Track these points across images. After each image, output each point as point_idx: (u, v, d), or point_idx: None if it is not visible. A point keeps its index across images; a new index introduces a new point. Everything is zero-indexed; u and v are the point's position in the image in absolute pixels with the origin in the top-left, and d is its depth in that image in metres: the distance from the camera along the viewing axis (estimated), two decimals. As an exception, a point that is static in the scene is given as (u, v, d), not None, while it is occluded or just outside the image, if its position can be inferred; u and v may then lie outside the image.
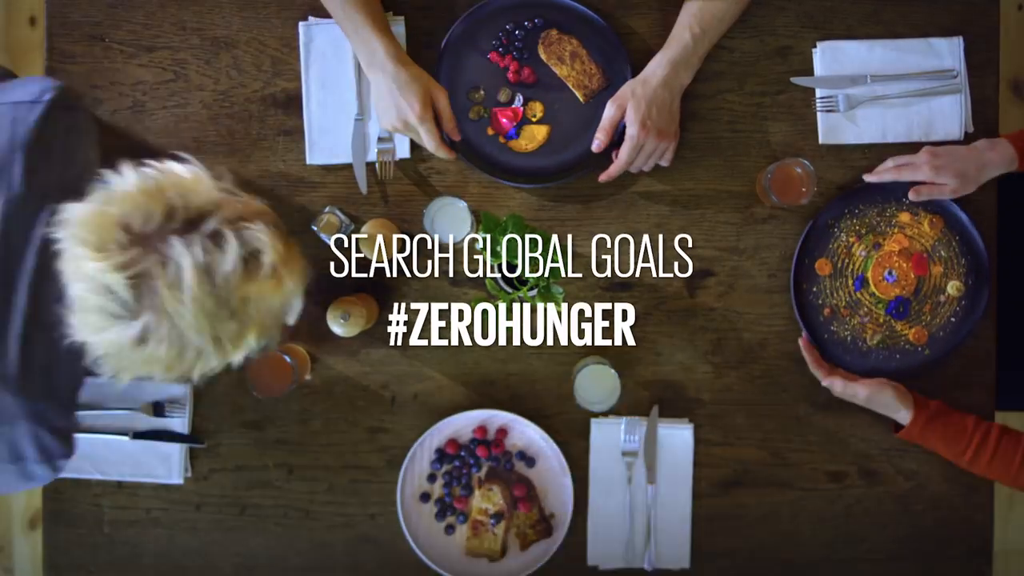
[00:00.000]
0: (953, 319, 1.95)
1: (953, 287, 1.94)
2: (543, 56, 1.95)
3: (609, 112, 1.90)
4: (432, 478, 1.97)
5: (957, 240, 1.94)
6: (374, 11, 1.89)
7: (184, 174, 1.38)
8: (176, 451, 1.99)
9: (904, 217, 1.94)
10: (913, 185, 1.87)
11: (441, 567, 1.95)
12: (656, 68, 1.88)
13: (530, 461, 1.95)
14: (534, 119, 1.97)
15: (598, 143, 1.90)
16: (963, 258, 1.94)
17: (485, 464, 1.94)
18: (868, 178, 1.89)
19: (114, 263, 1.28)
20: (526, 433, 1.95)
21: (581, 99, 1.96)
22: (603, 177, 1.93)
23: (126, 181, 1.34)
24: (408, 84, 1.87)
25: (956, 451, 1.85)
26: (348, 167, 2.01)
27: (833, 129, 1.95)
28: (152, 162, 1.55)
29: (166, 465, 1.99)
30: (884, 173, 1.89)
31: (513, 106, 1.97)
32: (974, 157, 1.87)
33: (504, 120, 1.97)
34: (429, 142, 1.89)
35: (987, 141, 1.89)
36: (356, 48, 1.93)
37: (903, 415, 1.85)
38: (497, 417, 1.97)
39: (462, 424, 1.97)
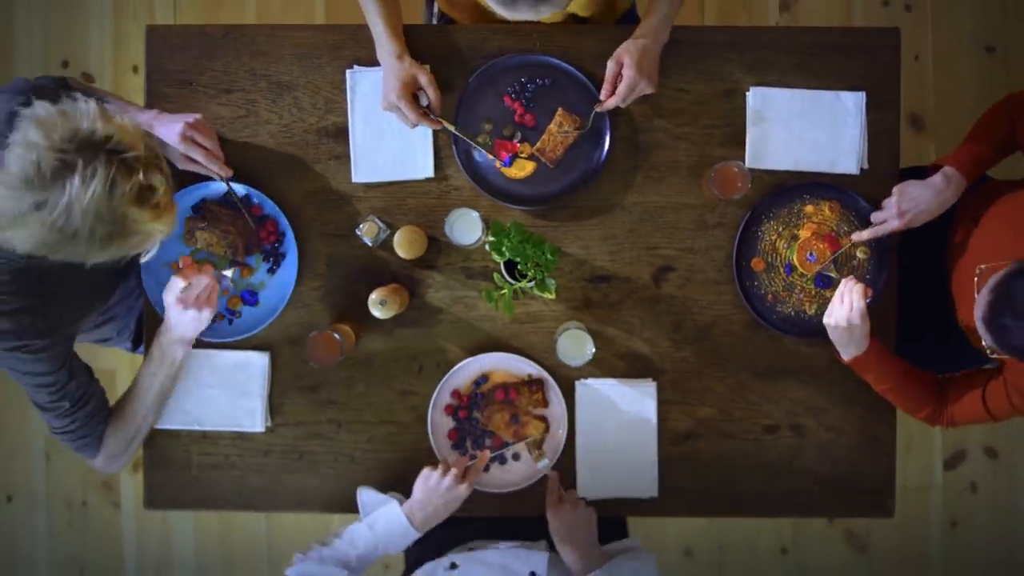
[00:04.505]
0: (868, 276, 2.19)
1: (861, 251, 2.18)
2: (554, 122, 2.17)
3: (610, 68, 2.09)
4: (453, 412, 2.20)
5: (854, 215, 2.17)
6: (391, 14, 2.12)
7: (129, 122, 1.63)
8: (259, 406, 2.20)
9: (808, 209, 2.18)
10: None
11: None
12: (645, 31, 2.09)
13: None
14: (523, 155, 2.19)
15: (605, 93, 2.11)
16: (862, 228, 2.16)
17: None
18: (857, 237, 2.12)
19: (53, 145, 1.53)
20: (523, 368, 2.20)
21: (549, 164, 2.19)
22: (600, 107, 2.12)
23: (90, 106, 1.59)
24: (394, 70, 2.10)
25: (884, 384, 2.08)
26: (385, 184, 2.21)
27: (758, 156, 2.19)
28: (116, 104, 1.89)
29: (251, 417, 2.21)
30: (866, 233, 2.10)
31: (512, 141, 2.20)
32: (936, 200, 2.03)
33: (503, 151, 2.19)
34: (410, 114, 2.10)
35: (942, 179, 2.03)
36: (375, 41, 2.14)
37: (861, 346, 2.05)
38: (496, 356, 2.20)
39: (472, 368, 2.19)
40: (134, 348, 2.45)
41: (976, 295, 1.79)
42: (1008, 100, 2.09)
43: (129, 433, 2.12)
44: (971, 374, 2.09)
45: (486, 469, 2.22)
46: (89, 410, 2.04)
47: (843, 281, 2.03)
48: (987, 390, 2.02)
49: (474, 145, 2.19)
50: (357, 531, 2.08)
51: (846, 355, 2.08)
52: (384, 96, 2.12)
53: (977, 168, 2.05)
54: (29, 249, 1.62)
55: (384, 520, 2.08)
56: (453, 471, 2.08)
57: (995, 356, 1.82)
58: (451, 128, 2.17)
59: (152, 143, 1.67)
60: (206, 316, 2.04)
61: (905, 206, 2.06)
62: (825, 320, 2.05)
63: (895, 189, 2.08)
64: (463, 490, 2.08)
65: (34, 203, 1.54)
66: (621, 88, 2.09)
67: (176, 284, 2.03)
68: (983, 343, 1.80)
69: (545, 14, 1.73)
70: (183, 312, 2.03)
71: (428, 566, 2.02)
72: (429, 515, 2.07)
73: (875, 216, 2.12)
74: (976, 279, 1.81)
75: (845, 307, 2.00)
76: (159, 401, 2.15)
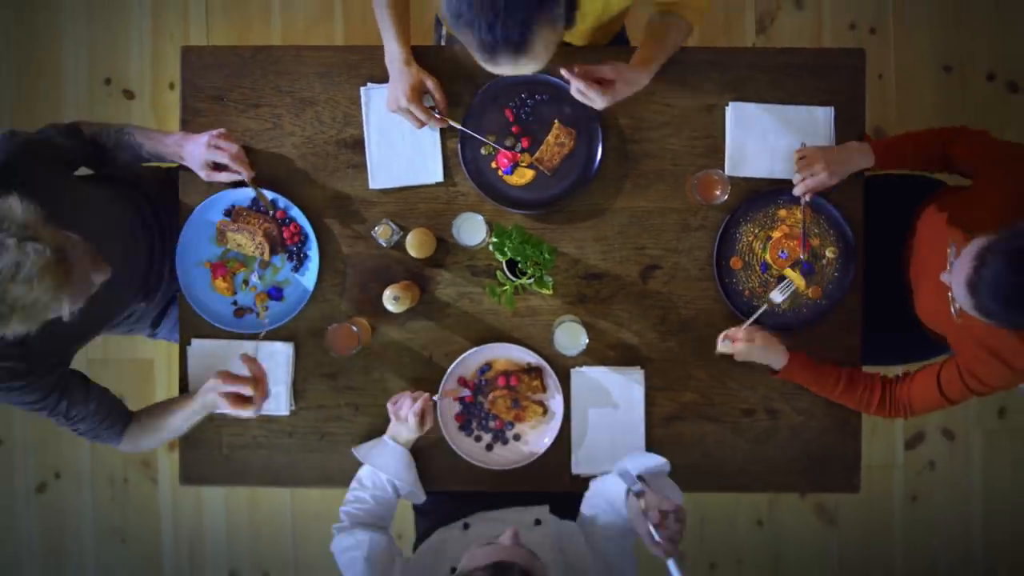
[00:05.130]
0: (836, 274, 2.19)
1: (830, 251, 2.18)
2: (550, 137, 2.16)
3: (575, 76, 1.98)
4: (460, 397, 2.19)
5: (823, 218, 2.17)
6: (403, 27, 2.11)
7: (5, 203, 1.59)
8: (284, 391, 2.20)
9: (782, 212, 2.18)
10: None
11: (470, 457, 2.17)
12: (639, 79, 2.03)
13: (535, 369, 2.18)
14: (523, 164, 2.19)
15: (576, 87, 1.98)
16: (831, 230, 2.18)
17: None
18: (797, 190, 2.09)
19: None
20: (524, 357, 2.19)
21: (546, 172, 2.18)
22: (565, 71, 1.96)
23: None
24: (402, 75, 2.10)
25: (824, 389, 2.11)
26: (398, 190, 2.21)
27: (736, 165, 2.19)
28: (140, 132, 1.98)
29: (277, 401, 2.20)
30: (800, 185, 2.08)
31: (512, 151, 2.19)
32: (847, 158, 2.08)
33: (504, 160, 2.19)
34: (420, 115, 2.10)
35: (857, 143, 2.11)
36: (385, 50, 2.12)
37: (779, 363, 2.09)
38: (498, 346, 2.20)
39: (477, 357, 2.19)
40: (152, 333, 2.43)
41: (950, 266, 1.78)
42: (955, 131, 2.11)
43: (153, 442, 2.15)
44: (925, 367, 2.09)
45: (488, 449, 2.21)
46: (91, 420, 2.04)
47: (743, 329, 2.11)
48: (942, 378, 2.02)
49: (483, 141, 2.19)
50: (362, 474, 2.13)
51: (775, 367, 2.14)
52: (393, 100, 2.12)
53: (888, 155, 2.10)
54: None
55: (376, 452, 2.14)
56: (405, 407, 2.10)
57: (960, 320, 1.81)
58: (456, 125, 2.17)
59: (33, 220, 1.61)
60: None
61: (830, 161, 2.08)
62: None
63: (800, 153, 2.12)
64: (418, 411, 2.10)
65: None
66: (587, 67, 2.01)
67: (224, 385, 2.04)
68: (955, 306, 1.79)
69: (526, 71, 1.70)
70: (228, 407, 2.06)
71: (442, 530, 2.05)
72: (402, 431, 2.12)
73: (796, 178, 2.12)
74: (953, 250, 1.80)
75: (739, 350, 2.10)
76: (187, 428, 2.15)
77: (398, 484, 2.12)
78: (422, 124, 2.13)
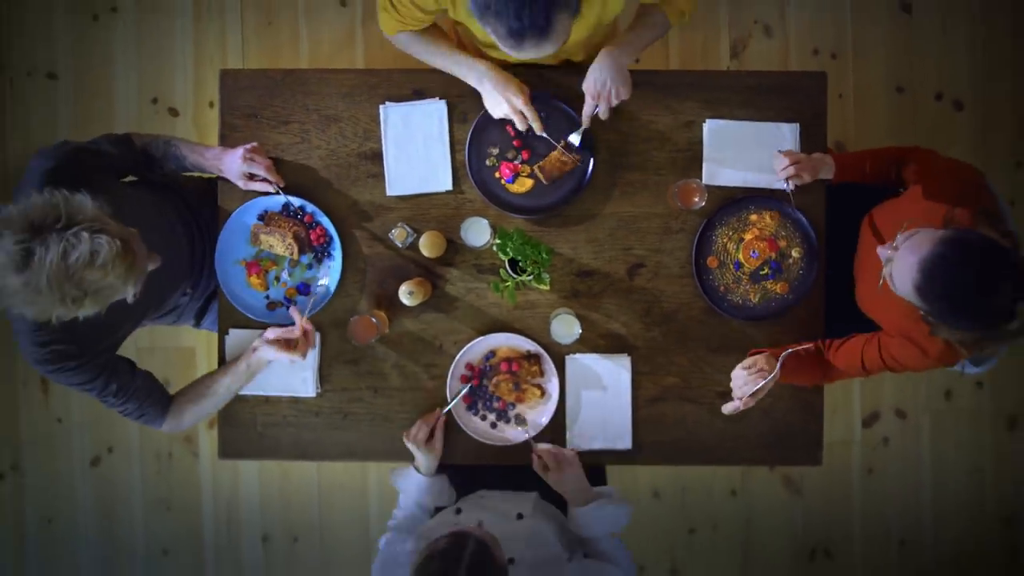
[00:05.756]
0: (801, 271, 2.19)
1: (796, 251, 2.19)
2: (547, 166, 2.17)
3: (587, 86, 2.08)
4: (468, 383, 2.20)
5: (789, 223, 2.18)
6: (459, 48, 2.14)
7: (76, 200, 1.62)
8: (311, 375, 2.21)
9: (753, 217, 2.19)
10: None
11: (477, 434, 2.19)
12: (613, 43, 2.07)
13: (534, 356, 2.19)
14: (523, 174, 2.20)
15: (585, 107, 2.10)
16: (796, 233, 2.18)
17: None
18: (780, 176, 2.08)
19: (15, 239, 1.56)
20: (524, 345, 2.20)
21: (544, 180, 2.18)
22: (585, 122, 2.12)
23: (39, 198, 1.61)
24: (508, 81, 2.11)
25: (809, 381, 2.13)
26: (413, 197, 2.21)
27: (712, 175, 2.20)
28: (183, 144, 1.99)
29: (305, 385, 2.21)
30: (783, 173, 2.07)
31: (514, 163, 2.21)
32: (819, 162, 2.08)
33: (506, 170, 2.20)
34: (534, 119, 2.11)
35: (821, 155, 2.10)
36: (466, 76, 2.12)
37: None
38: (501, 336, 2.21)
39: (482, 345, 2.20)
40: (197, 324, 2.43)
41: (896, 241, 1.73)
42: (907, 151, 2.10)
43: (198, 415, 2.16)
44: (852, 338, 2.07)
45: (493, 427, 2.22)
46: (137, 401, 2.04)
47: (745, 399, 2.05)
48: (865, 352, 2.02)
49: (559, 145, 2.18)
50: (400, 502, 2.18)
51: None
52: (505, 105, 2.11)
53: (846, 169, 2.10)
54: (34, 317, 1.65)
55: (404, 481, 2.17)
56: (420, 432, 2.14)
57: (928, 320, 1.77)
58: (545, 135, 2.17)
59: (100, 214, 1.65)
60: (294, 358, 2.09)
61: (807, 163, 2.08)
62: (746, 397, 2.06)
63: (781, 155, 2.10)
64: (429, 443, 2.15)
65: (19, 283, 1.57)
66: (600, 103, 2.08)
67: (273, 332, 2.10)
68: (883, 279, 1.76)
69: (547, 52, 1.71)
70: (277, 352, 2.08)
71: (440, 514, 2.07)
72: (422, 462, 2.15)
73: (780, 164, 2.11)
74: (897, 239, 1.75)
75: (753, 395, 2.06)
76: (231, 398, 2.17)
77: (424, 501, 2.16)
78: (528, 126, 2.13)
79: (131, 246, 1.66)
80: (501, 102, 2.11)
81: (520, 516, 1.98)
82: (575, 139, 2.18)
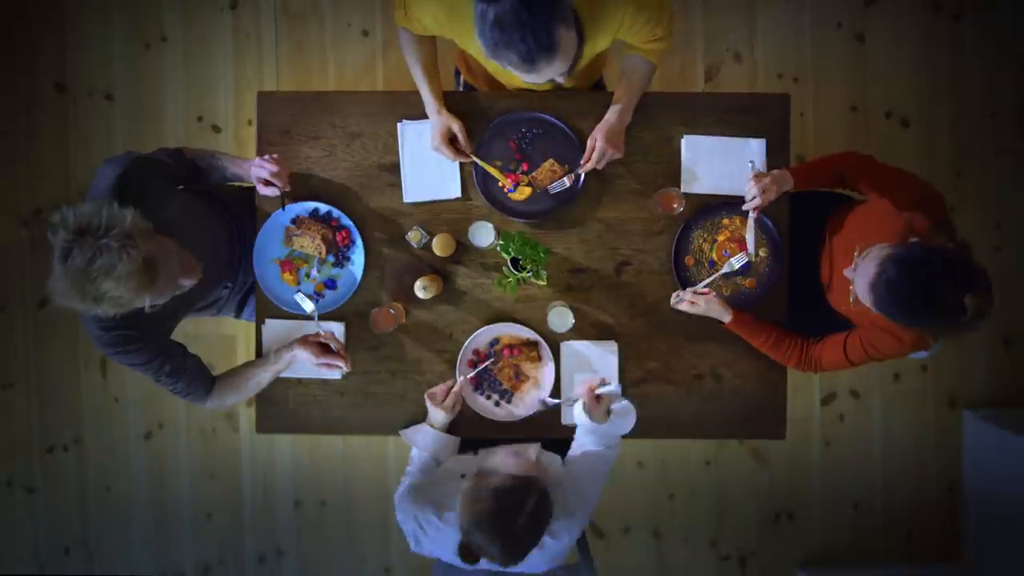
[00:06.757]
0: (767, 269, 2.19)
1: (763, 251, 2.18)
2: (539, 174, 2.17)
3: (589, 143, 2.09)
4: (474, 365, 2.18)
5: (758, 225, 2.15)
6: (434, 82, 2.10)
7: (118, 213, 1.62)
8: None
9: (725, 221, 2.18)
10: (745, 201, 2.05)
11: (483, 412, 2.18)
12: (611, 113, 2.08)
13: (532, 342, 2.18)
14: (523, 184, 2.19)
15: (585, 159, 2.09)
16: (763, 234, 2.18)
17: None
18: (747, 206, 2.02)
19: (64, 237, 1.58)
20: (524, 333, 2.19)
21: (538, 189, 2.17)
22: (581, 169, 2.10)
23: (90, 205, 1.61)
24: (435, 123, 2.11)
25: (757, 341, 2.10)
26: (426, 204, 2.20)
27: (689, 184, 2.19)
28: (224, 157, 1.96)
29: (332, 368, 2.16)
30: (752, 202, 2.01)
31: (515, 174, 2.20)
32: (782, 180, 2.03)
33: (509, 180, 2.19)
34: (448, 154, 2.10)
35: (780, 172, 2.04)
36: (425, 102, 2.11)
37: (726, 318, 2.08)
38: (504, 325, 2.20)
39: (487, 334, 2.19)
40: (237, 315, 2.41)
41: (855, 265, 1.76)
42: (845, 157, 2.07)
43: (237, 397, 2.15)
44: (835, 335, 2.07)
45: (497, 405, 2.21)
46: (186, 380, 2.03)
47: (690, 291, 2.07)
48: (847, 344, 2.02)
49: (488, 170, 2.17)
50: (413, 455, 2.15)
51: (723, 320, 2.10)
52: (431, 140, 2.13)
53: (801, 178, 2.05)
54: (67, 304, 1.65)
55: (420, 436, 2.14)
56: (441, 392, 2.13)
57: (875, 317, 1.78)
58: (477, 160, 2.16)
59: (137, 230, 1.63)
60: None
61: (770, 181, 2.02)
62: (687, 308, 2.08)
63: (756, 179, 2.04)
64: (446, 404, 2.13)
65: (60, 272, 1.61)
66: (594, 155, 2.09)
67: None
68: (853, 296, 1.78)
69: (562, 67, 1.64)
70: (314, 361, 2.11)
71: (464, 455, 2.09)
72: (437, 419, 2.13)
73: (750, 193, 2.05)
74: (857, 257, 1.78)
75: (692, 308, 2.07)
76: (267, 381, 2.16)
77: (437, 454, 2.13)
78: (453, 159, 2.14)
79: (155, 264, 1.64)
80: (431, 139, 2.13)
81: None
82: (574, 176, 2.19)
